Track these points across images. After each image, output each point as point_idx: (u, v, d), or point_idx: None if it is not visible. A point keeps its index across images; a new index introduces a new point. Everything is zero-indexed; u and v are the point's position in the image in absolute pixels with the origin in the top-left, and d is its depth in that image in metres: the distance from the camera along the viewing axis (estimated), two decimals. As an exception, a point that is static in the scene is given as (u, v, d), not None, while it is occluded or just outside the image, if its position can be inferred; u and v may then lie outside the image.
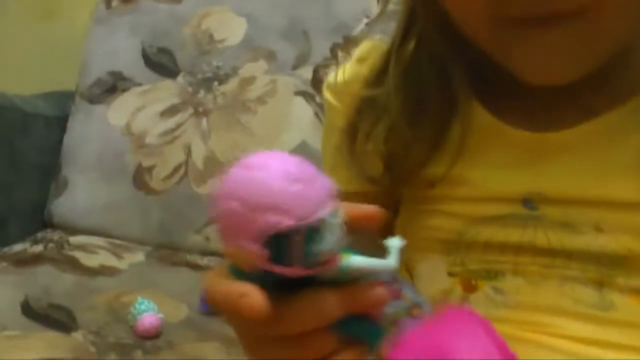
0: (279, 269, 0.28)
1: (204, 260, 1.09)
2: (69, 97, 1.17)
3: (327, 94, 0.55)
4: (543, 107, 0.46)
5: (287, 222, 0.28)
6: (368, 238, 0.33)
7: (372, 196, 0.53)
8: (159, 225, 1.12)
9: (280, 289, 0.30)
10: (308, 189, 0.28)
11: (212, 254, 1.11)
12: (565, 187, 0.44)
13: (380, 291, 0.31)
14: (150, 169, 1.15)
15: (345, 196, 0.59)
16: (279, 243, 0.28)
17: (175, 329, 0.83)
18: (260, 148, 1.20)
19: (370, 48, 0.54)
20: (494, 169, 0.46)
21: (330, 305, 0.31)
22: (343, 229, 0.30)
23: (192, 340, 0.81)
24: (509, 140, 0.46)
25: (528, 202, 0.45)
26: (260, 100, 1.19)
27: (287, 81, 1.18)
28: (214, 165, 1.15)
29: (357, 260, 0.31)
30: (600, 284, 0.43)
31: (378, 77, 0.50)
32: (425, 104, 0.47)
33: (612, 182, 0.43)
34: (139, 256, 1.05)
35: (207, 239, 1.12)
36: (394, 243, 0.33)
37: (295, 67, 1.19)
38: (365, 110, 0.50)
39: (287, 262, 0.29)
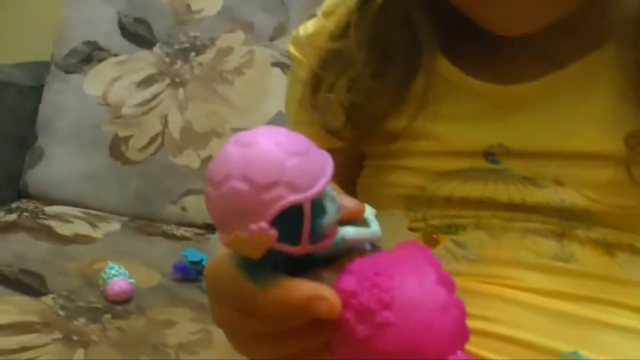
0: (287, 248, 0.27)
1: (180, 231, 1.09)
2: (44, 67, 1.17)
3: (292, 48, 0.54)
4: (507, 59, 0.46)
5: (293, 196, 0.26)
6: None
7: (336, 154, 0.53)
8: (136, 196, 1.12)
9: (276, 270, 0.28)
10: (306, 160, 0.27)
11: (189, 224, 1.11)
12: (529, 139, 0.44)
13: None
14: (126, 139, 1.14)
15: None
16: (285, 221, 0.27)
17: (146, 294, 0.84)
18: (237, 119, 1.21)
19: (337, 3, 0.53)
20: (456, 122, 0.46)
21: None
22: (337, 199, 0.29)
23: (163, 305, 0.82)
24: (472, 93, 0.45)
25: (491, 155, 0.45)
26: (238, 71, 1.18)
27: (264, 52, 1.18)
28: (191, 136, 1.15)
29: (350, 232, 0.30)
30: (560, 236, 0.43)
31: (343, 30, 0.49)
32: (390, 56, 0.47)
33: (576, 134, 0.43)
34: (115, 226, 1.05)
35: (184, 209, 1.12)
36: (369, 210, 0.32)
37: (272, 38, 1.19)
38: (329, 62, 0.49)
39: (293, 239, 0.27)
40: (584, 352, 0.40)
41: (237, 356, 0.76)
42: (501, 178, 0.44)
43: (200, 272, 0.89)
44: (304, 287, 0.27)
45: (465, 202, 0.45)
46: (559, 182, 0.43)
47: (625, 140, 0.41)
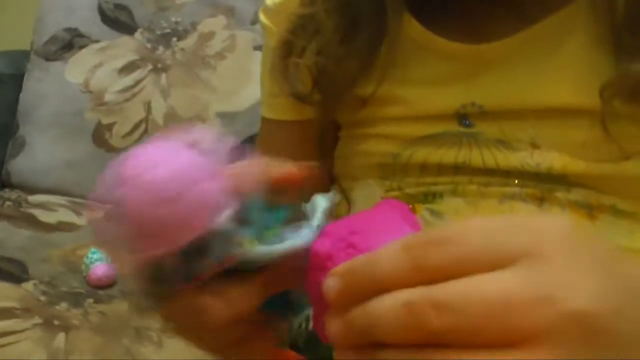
0: (165, 288, 0.28)
1: (166, 216, 1.09)
2: (24, 56, 1.16)
3: (263, 17, 0.54)
4: (480, 18, 0.45)
5: (155, 251, 0.26)
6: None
7: (311, 125, 0.52)
8: (120, 183, 1.12)
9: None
10: (181, 206, 0.26)
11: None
12: (503, 96, 0.43)
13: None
14: (110, 126, 1.14)
15: (284, 125, 0.57)
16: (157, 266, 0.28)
17: (130, 279, 0.84)
18: (220, 103, 1.20)
19: None
20: (426, 85, 0.45)
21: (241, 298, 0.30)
22: (236, 231, 0.28)
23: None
24: (443, 54, 0.45)
25: (464, 119, 0.44)
26: (220, 55, 1.18)
27: (246, 36, 1.17)
28: (175, 121, 1.14)
29: (260, 251, 0.29)
30: (540, 200, 0.42)
31: None
32: (358, 22, 0.46)
33: (550, 89, 0.42)
34: (99, 213, 1.04)
35: (170, 195, 1.12)
36: (320, 203, 0.31)
37: (254, 22, 1.18)
38: (298, 28, 0.49)
39: (170, 279, 0.28)
40: None
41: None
42: (475, 142, 0.43)
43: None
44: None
45: (441, 169, 0.45)
46: (534, 145, 0.42)
47: (600, 92, 0.40)
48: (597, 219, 0.42)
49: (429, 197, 0.45)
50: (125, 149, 1.18)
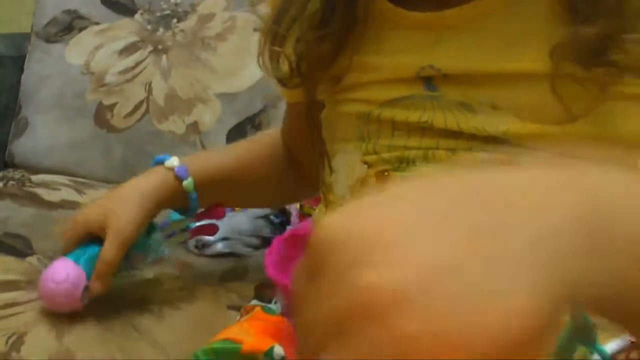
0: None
1: (168, 196, 1.10)
2: (24, 38, 1.17)
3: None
4: None
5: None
6: None
7: (297, 106, 0.58)
8: (122, 163, 1.13)
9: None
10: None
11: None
12: (460, 61, 0.45)
13: None
14: (111, 107, 1.15)
15: (290, 106, 0.67)
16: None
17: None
18: (220, 85, 1.21)
19: None
20: (394, 52, 0.48)
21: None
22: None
23: (148, 263, 0.83)
24: (410, 24, 0.47)
25: (428, 82, 0.46)
26: (220, 36, 1.18)
27: (246, 17, 1.17)
28: (175, 102, 1.15)
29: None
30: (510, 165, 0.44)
31: None
32: (334, 5, 0.50)
33: (507, 54, 0.44)
34: (102, 192, 1.06)
35: (171, 175, 1.13)
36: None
37: (254, 4, 1.18)
38: (281, 15, 0.53)
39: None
40: None
41: (217, 311, 0.77)
42: (438, 105, 0.46)
43: (184, 232, 0.90)
44: None
45: (410, 130, 0.47)
46: (494, 106, 0.44)
47: (550, 53, 0.42)
48: None
49: (403, 164, 0.47)
50: (126, 129, 1.19)
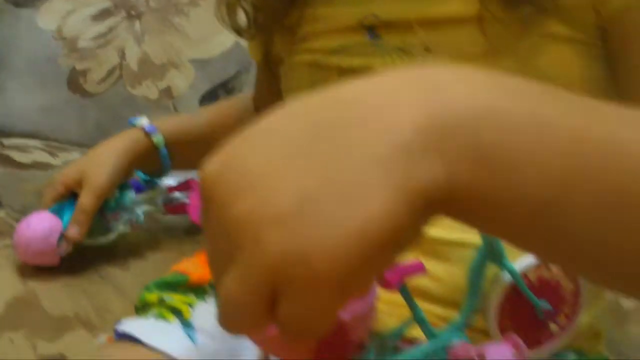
0: None
1: (141, 159, 1.11)
2: (-5, 2, 1.17)
3: None
4: None
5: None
6: None
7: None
8: (96, 127, 1.14)
9: None
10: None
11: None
12: (397, 9, 0.48)
13: None
14: (84, 73, 1.15)
15: (259, 68, 0.70)
16: None
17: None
18: (194, 50, 1.22)
19: None
20: (339, 3, 0.51)
21: None
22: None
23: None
24: None
25: (370, 31, 0.49)
26: (193, 2, 1.19)
27: (219, -18, 1.18)
28: (148, 67, 1.16)
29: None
30: None
31: None
32: None
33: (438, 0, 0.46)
34: (75, 155, 1.07)
35: (145, 139, 1.14)
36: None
37: (227, -31, 1.19)
38: None
39: None
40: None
41: (181, 258, 0.79)
42: (379, 51, 0.49)
43: (153, 189, 0.91)
44: None
45: (353, 75, 0.48)
46: (428, 49, 0.47)
47: None
48: None
49: None
50: (100, 94, 1.20)
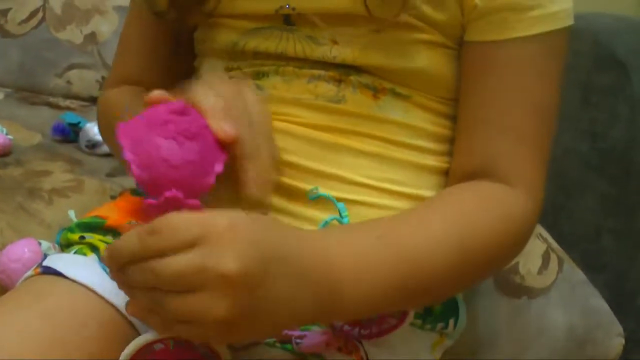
0: None
1: (66, 102, 1.15)
2: None
3: None
4: None
5: None
6: None
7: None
8: (19, 68, 1.17)
9: None
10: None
11: (75, 97, 1.17)
12: (306, 3, 0.54)
13: None
14: (5, 12, 1.17)
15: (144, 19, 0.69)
16: None
17: (26, 151, 0.92)
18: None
19: None
20: None
21: None
22: None
23: (41, 159, 0.90)
24: None
25: (287, 18, 0.55)
26: (117, -51, 1.21)
27: None
28: (73, 12, 1.18)
29: None
30: (338, 81, 0.54)
31: None
32: None
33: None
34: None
35: (69, 82, 1.18)
36: None
37: None
38: None
39: None
40: (323, 190, 0.53)
41: (102, 200, 0.86)
42: (292, 37, 0.55)
43: (77, 133, 0.97)
44: None
45: (268, 56, 0.56)
46: (334, 41, 0.54)
47: None
48: (380, 99, 0.55)
49: (259, 75, 0.56)
50: (23, 35, 1.22)
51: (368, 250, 0.44)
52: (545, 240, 0.81)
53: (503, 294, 0.72)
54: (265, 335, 0.42)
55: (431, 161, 0.56)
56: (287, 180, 0.53)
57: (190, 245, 0.36)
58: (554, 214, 0.89)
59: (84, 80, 1.18)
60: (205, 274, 0.36)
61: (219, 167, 0.41)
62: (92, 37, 1.19)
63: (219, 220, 0.37)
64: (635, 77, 0.86)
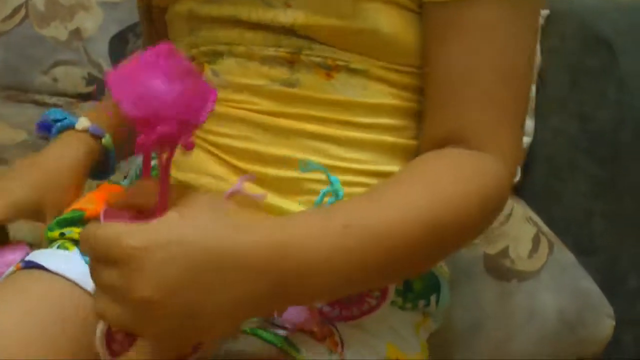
0: None
1: (53, 99, 1.14)
2: None
3: None
4: None
5: None
6: None
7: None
8: (4, 65, 1.16)
9: None
10: None
11: (62, 94, 1.16)
12: None
13: None
14: (-13, 10, 1.16)
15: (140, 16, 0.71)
16: None
17: (10, 148, 0.91)
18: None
19: None
20: None
21: None
22: None
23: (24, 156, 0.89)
24: None
25: None
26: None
27: None
28: (56, 8, 1.18)
29: None
30: (291, 63, 0.53)
31: None
32: None
33: None
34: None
35: (55, 79, 1.17)
36: None
37: None
38: None
39: None
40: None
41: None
42: (246, 2, 0.53)
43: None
44: None
45: (222, 22, 0.54)
46: (287, 5, 0.52)
47: None
48: (334, 77, 0.53)
49: (214, 57, 0.55)
50: (6, 33, 1.21)
51: (334, 240, 0.42)
52: (535, 223, 0.80)
53: (493, 278, 0.72)
54: (221, 331, 0.40)
55: (394, 137, 0.54)
56: (251, 167, 0.52)
57: (111, 263, 0.38)
58: (543, 197, 0.88)
59: (70, 76, 1.17)
60: (123, 293, 0.38)
61: (211, 104, 0.40)
62: (77, 33, 1.18)
63: (137, 238, 0.38)
64: (622, 58, 0.86)
